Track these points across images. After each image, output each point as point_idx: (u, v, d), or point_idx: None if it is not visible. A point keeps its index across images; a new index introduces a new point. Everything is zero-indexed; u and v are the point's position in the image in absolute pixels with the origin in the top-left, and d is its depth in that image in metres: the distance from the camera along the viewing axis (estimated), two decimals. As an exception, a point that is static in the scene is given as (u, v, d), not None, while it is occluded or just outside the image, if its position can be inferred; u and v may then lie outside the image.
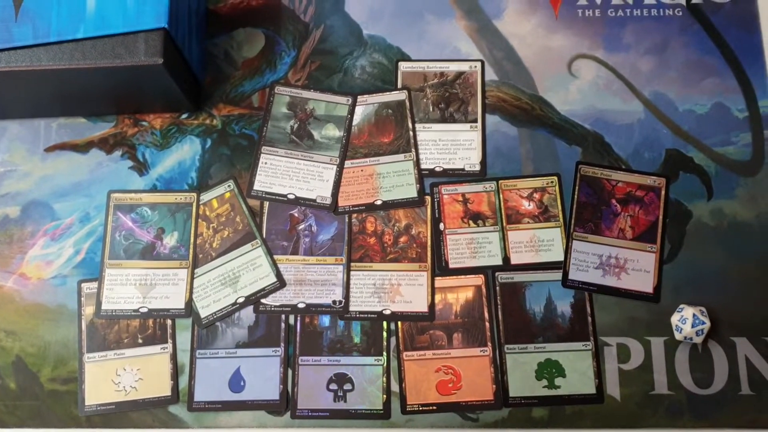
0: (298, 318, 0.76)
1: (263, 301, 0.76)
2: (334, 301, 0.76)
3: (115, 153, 0.81)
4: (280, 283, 0.77)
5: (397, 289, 0.76)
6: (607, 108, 0.82)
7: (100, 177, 0.80)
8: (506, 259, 0.77)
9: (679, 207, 0.78)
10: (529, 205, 0.78)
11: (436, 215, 0.78)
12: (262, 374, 0.74)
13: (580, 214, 0.78)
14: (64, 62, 0.71)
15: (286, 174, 0.79)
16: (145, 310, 0.76)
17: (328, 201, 0.79)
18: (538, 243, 0.77)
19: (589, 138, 0.81)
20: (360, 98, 0.82)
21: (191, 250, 0.77)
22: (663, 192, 0.78)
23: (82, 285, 0.77)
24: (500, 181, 0.79)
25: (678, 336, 0.74)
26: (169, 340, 0.75)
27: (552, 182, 0.79)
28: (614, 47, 0.84)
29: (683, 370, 0.74)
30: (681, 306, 0.74)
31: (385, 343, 0.75)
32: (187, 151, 0.81)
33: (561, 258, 0.77)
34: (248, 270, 0.77)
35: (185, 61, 0.77)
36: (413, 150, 0.80)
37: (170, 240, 0.78)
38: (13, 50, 0.71)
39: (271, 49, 0.84)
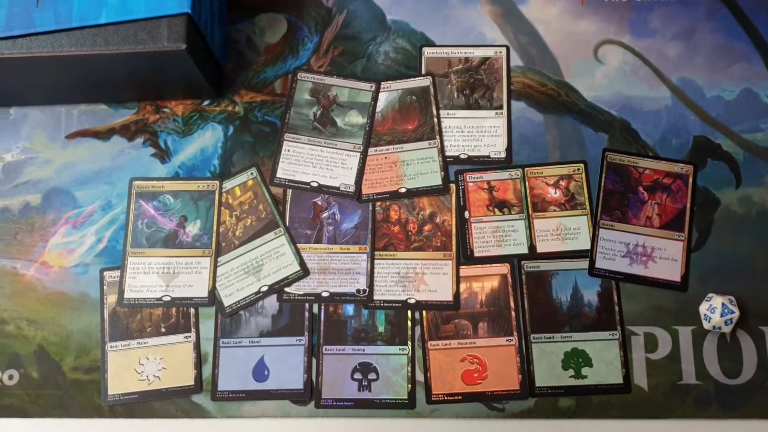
0: (322, 307, 0.75)
1: (287, 289, 0.76)
2: (358, 290, 0.75)
3: (137, 140, 0.80)
4: (304, 271, 0.76)
5: (421, 277, 0.76)
6: (634, 94, 0.80)
7: (121, 164, 0.80)
8: (532, 247, 0.76)
9: (707, 195, 0.77)
10: (556, 192, 0.77)
11: (461, 203, 0.78)
12: (286, 363, 0.74)
13: (607, 202, 0.77)
14: (86, 48, 0.70)
15: (309, 161, 0.79)
16: (168, 298, 0.75)
17: (352, 189, 0.78)
18: (565, 231, 0.76)
19: (615, 125, 0.80)
20: (383, 84, 0.81)
21: (214, 239, 0.77)
22: (691, 179, 0.77)
23: (105, 273, 0.76)
24: (526, 169, 0.78)
25: (706, 325, 0.73)
26: (193, 329, 0.75)
27: (578, 169, 0.78)
28: (641, 32, 0.82)
29: (711, 359, 0.73)
30: (709, 295, 0.73)
31: (409, 332, 0.75)
32: (209, 138, 0.80)
33: (587, 246, 0.76)
34: (271, 258, 0.76)
35: (207, 46, 0.76)
36: (438, 137, 0.79)
37: (193, 228, 0.77)
38: (34, 36, 0.70)
39: (294, 35, 0.83)
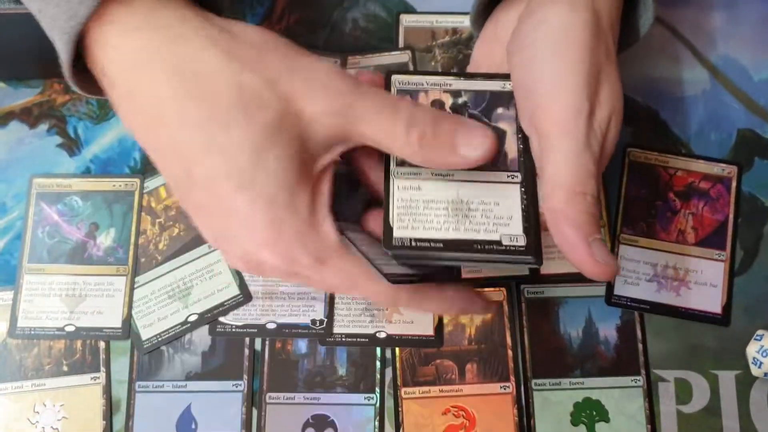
0: (267, 342, 0.65)
1: (222, 319, 0.65)
2: (313, 321, 0.65)
3: (41, 127, 0.70)
4: (245, 296, 0.65)
5: (394, 305, 0.65)
6: (664, 76, 0.71)
7: (20, 157, 0.69)
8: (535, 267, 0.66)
9: (755, 203, 0.68)
10: (565, 199, 0.66)
11: (446, 211, 0.66)
12: (220, 415, 0.63)
13: (629, 212, 0.67)
14: (-29, 8, 0.60)
15: (255, 156, 0.67)
16: (72, 328, 0.65)
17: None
18: (576, 248, 0.65)
19: (640, 114, 0.70)
20: (351, 60, 0.71)
21: (131, 253, 0.67)
22: (734, 184, 0.68)
23: (-6, 295, 0.67)
24: (528, 169, 0.67)
25: (755, 371, 0.63)
26: (102, 368, 0.65)
27: (594, 170, 0.67)
28: (673, 1, 0.73)
29: (760, 413, 0.63)
30: (759, 332, 0.64)
31: (378, 376, 0.64)
32: (129, 126, 0.69)
33: (605, 267, 0.65)
34: (204, 279, 0.66)
35: (126, 9, 0.64)
36: (418, 127, 0.68)
37: (105, 239, 0.67)
38: None
39: (239, -3, 0.73)
